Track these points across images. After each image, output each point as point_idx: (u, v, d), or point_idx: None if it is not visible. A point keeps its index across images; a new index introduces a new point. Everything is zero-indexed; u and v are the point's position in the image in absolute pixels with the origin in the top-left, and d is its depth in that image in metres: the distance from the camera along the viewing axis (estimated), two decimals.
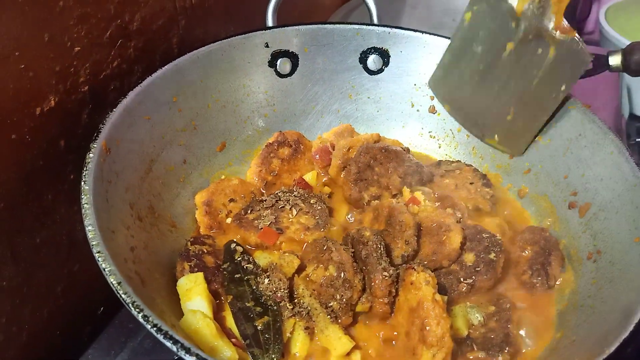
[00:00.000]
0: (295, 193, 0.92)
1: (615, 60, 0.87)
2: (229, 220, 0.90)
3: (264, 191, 0.98)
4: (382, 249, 0.79)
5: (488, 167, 1.02)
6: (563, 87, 0.87)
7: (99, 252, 0.63)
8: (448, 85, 1.00)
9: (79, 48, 0.80)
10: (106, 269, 0.61)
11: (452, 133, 1.06)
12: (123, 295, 0.59)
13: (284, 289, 0.78)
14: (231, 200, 0.92)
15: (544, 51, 0.86)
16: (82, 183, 0.70)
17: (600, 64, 0.85)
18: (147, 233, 0.80)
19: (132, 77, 0.87)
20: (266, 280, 0.79)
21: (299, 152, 1.01)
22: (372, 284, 0.76)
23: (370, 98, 1.08)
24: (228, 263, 0.81)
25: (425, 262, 0.79)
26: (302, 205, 0.91)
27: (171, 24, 0.99)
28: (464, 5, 0.94)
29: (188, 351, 0.55)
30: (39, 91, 0.76)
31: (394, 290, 0.76)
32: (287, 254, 0.83)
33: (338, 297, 0.76)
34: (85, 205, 0.67)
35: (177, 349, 0.56)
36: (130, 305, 0.59)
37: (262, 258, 0.84)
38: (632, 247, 0.73)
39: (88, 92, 0.83)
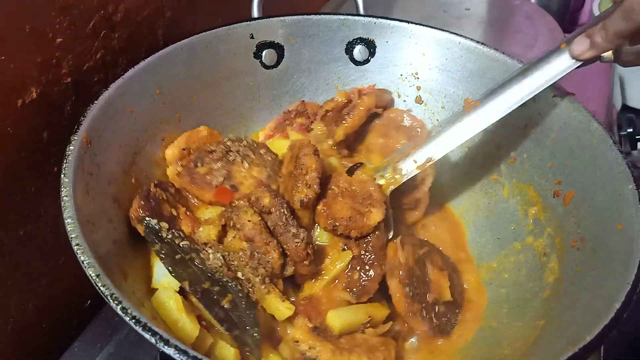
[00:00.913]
0: (244, 142, 0.92)
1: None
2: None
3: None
4: (286, 213, 0.78)
5: (475, 158, 1.02)
6: None
7: (77, 244, 0.62)
8: None
9: (61, 39, 0.79)
10: (84, 262, 0.61)
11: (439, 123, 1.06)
12: (102, 288, 0.59)
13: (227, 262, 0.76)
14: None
15: None
16: (62, 175, 0.69)
17: None
18: (131, 227, 0.80)
19: (117, 68, 0.86)
20: (211, 256, 0.75)
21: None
22: (288, 252, 0.77)
23: None
24: (159, 244, 0.75)
25: (336, 223, 0.80)
26: (253, 156, 0.90)
27: (157, 15, 0.98)
28: None
29: (167, 343, 0.55)
30: (21, 83, 0.75)
31: (311, 251, 0.77)
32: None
33: (261, 269, 0.76)
34: (64, 198, 0.67)
35: (156, 340, 0.55)
36: (109, 297, 0.58)
37: (207, 213, 0.84)
38: (615, 234, 0.73)
39: (71, 83, 0.83)
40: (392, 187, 0.90)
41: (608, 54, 0.78)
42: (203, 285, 0.73)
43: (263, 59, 1.03)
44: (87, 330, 0.89)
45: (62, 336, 0.89)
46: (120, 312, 0.57)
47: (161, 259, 0.74)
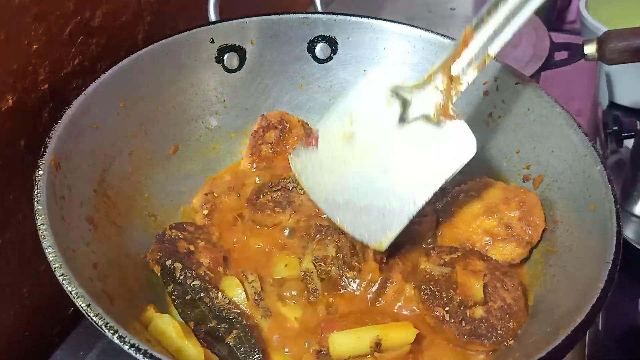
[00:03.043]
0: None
1: (590, 49, 0.88)
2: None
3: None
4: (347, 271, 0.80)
5: None
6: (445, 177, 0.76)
7: (62, 274, 0.60)
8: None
9: (37, 46, 0.78)
10: (72, 292, 0.59)
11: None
12: (95, 318, 0.57)
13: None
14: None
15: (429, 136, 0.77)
16: (35, 202, 0.66)
17: (575, 53, 0.85)
18: (108, 246, 0.77)
19: (95, 74, 0.84)
20: (219, 295, 0.78)
21: (286, 131, 1.01)
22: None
23: (321, 87, 1.08)
24: (172, 285, 0.78)
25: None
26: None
27: (136, 20, 0.96)
28: None
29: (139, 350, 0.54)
30: None
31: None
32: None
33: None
34: (41, 227, 0.64)
35: None
36: (103, 327, 0.57)
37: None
38: (588, 214, 0.76)
39: (48, 90, 0.81)
40: (455, 98, 0.76)
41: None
42: (210, 324, 0.74)
43: (225, 62, 1.01)
44: (70, 338, 0.88)
45: (44, 344, 0.88)
46: (117, 341, 0.56)
47: (173, 301, 0.77)
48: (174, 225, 0.88)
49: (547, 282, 0.77)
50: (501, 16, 0.73)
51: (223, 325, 0.74)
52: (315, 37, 1.05)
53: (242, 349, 0.72)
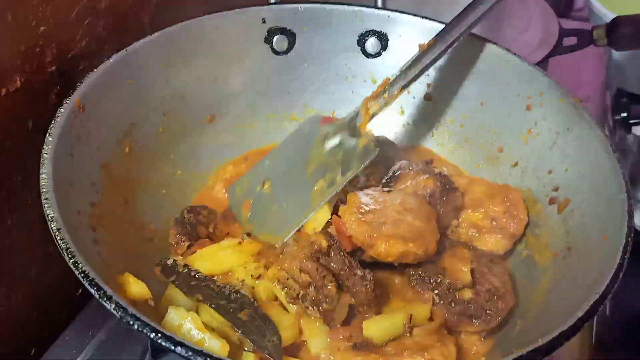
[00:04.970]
0: None
1: (599, 34, 0.85)
2: None
3: None
4: (346, 255, 0.77)
5: (478, 159, 0.99)
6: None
7: (46, 198, 0.64)
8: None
9: (44, 27, 0.80)
10: (49, 215, 0.63)
11: (446, 122, 1.03)
12: (60, 242, 0.61)
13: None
14: None
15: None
16: (47, 135, 0.72)
17: (584, 39, 0.83)
18: (115, 195, 0.82)
19: (102, 56, 0.86)
20: (227, 285, 0.76)
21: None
22: (354, 298, 0.76)
23: (366, 82, 1.06)
24: (174, 276, 0.76)
25: None
26: None
27: (142, 2, 0.99)
28: None
29: (109, 299, 0.56)
30: (4, 71, 0.76)
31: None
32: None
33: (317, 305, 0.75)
34: (44, 155, 0.69)
35: (100, 295, 0.57)
36: (64, 251, 0.60)
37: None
38: (598, 244, 0.70)
39: (55, 72, 0.83)
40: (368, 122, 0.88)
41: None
42: (220, 302, 0.73)
43: (274, 44, 1.03)
44: (78, 319, 0.89)
45: (52, 326, 0.90)
46: (72, 267, 0.59)
47: (176, 285, 0.75)
48: (189, 208, 0.89)
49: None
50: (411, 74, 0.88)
51: (233, 305, 0.73)
52: (367, 31, 1.04)
53: (256, 323, 0.71)
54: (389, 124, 1.05)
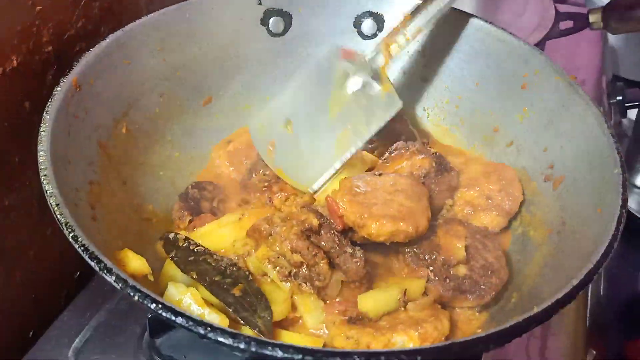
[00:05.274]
0: None
1: (595, 17, 0.86)
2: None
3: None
4: (337, 233, 0.77)
5: (474, 139, 1.00)
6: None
7: (45, 175, 0.65)
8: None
9: (40, 7, 0.80)
10: (48, 191, 0.63)
11: (441, 103, 1.04)
12: (59, 216, 0.61)
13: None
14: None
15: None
16: (45, 113, 0.72)
17: (580, 22, 0.83)
18: (113, 174, 0.82)
19: (98, 37, 0.87)
20: (225, 258, 0.77)
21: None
22: (346, 274, 0.76)
23: None
24: (174, 251, 0.77)
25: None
26: None
27: None
28: None
29: (110, 271, 0.57)
30: (0, 50, 0.76)
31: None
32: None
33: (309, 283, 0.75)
34: (42, 133, 0.69)
35: (100, 268, 0.57)
36: (64, 226, 0.60)
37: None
38: (593, 217, 0.71)
39: (52, 52, 0.83)
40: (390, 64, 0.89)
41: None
42: (214, 278, 0.73)
43: (270, 26, 1.03)
44: (77, 300, 0.90)
45: (50, 308, 0.90)
46: (71, 240, 0.59)
47: (175, 262, 0.75)
48: (194, 184, 0.91)
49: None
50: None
51: (227, 280, 0.73)
52: (363, 12, 1.04)
53: (248, 299, 0.72)
54: None
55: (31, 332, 0.89)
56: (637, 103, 1.09)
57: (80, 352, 0.82)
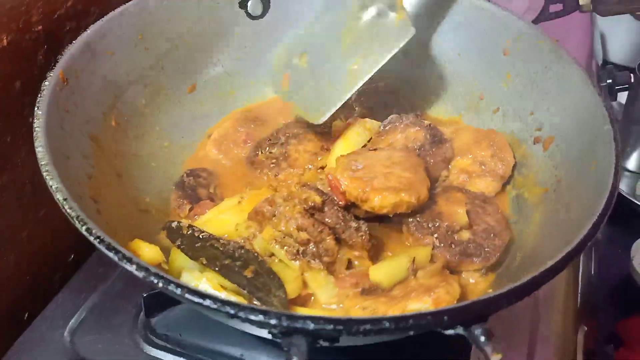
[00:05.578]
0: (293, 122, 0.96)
1: (585, 0, 0.87)
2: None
3: None
4: (340, 209, 0.78)
5: (459, 108, 1.01)
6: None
7: (47, 171, 0.63)
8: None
9: None
10: (53, 186, 0.62)
11: (424, 76, 1.05)
12: (68, 210, 0.60)
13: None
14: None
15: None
16: (36, 108, 0.70)
17: (570, 4, 0.85)
18: (108, 168, 0.81)
19: (89, 17, 0.86)
20: (231, 242, 0.76)
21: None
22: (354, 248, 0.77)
23: None
24: (179, 239, 0.75)
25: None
26: (301, 131, 0.93)
27: None
28: None
29: (130, 260, 0.56)
30: None
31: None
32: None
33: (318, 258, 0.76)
34: (36, 128, 0.68)
35: (119, 258, 0.56)
36: (75, 219, 0.59)
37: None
38: (588, 171, 0.73)
39: (42, 32, 0.82)
40: None
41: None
42: (224, 262, 0.72)
43: (249, 8, 1.03)
44: (72, 281, 0.89)
45: (45, 289, 0.89)
46: (85, 234, 0.58)
47: (182, 250, 0.74)
48: (188, 172, 0.90)
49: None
50: None
51: (238, 263, 0.73)
52: None
53: (261, 279, 0.71)
54: None
55: (26, 314, 0.88)
56: (627, 86, 1.11)
57: (75, 332, 0.81)
